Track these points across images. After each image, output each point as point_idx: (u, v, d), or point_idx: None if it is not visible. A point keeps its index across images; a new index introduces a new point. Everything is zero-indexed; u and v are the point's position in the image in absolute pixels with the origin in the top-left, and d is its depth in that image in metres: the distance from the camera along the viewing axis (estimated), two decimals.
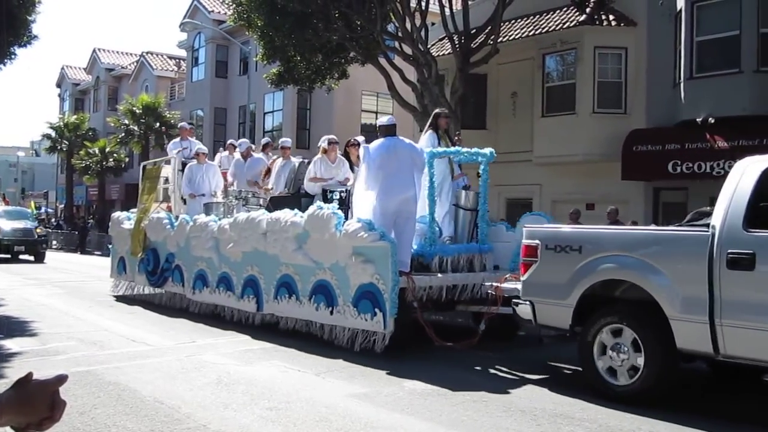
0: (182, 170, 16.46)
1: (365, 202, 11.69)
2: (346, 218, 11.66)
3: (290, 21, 26.61)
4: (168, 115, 49.36)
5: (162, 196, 16.78)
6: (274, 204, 13.41)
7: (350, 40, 27.68)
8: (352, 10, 26.27)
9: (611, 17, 26.66)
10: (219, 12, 45.93)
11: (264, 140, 17.80)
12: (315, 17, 26.75)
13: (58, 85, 70.96)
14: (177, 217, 15.50)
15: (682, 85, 23.65)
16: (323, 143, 13.59)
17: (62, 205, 64.03)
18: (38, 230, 32.49)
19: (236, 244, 13.22)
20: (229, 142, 18.18)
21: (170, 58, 58.07)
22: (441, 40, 30.78)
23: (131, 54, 63.19)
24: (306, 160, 14.16)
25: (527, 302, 9.63)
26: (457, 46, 26.00)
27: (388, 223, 11.29)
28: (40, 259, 31.80)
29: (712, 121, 21.35)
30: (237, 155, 17.23)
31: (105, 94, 61.58)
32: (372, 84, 35.49)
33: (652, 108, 24.87)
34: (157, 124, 49.08)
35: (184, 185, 16.22)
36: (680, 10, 23.97)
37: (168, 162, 17.10)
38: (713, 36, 23.51)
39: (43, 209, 61.48)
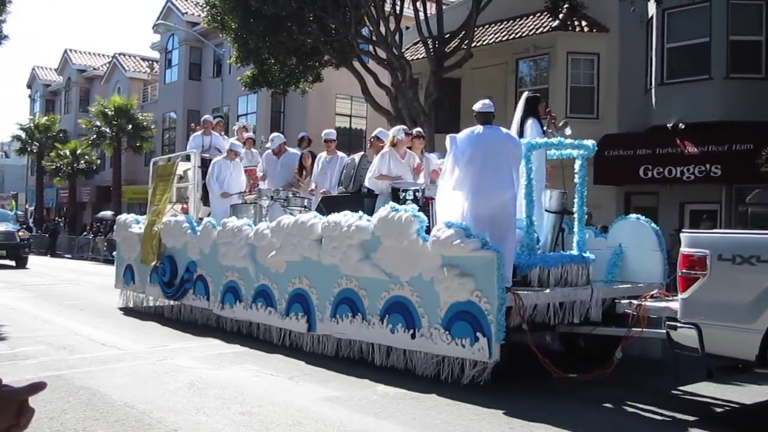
0: (200, 167, 12.46)
1: (452, 204, 8.78)
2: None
3: (264, 24, 24.49)
4: (140, 117, 44.96)
5: (177, 196, 12.73)
6: (328, 205, 10.37)
7: (324, 43, 25.59)
8: (326, 14, 24.37)
9: (584, 23, 24.90)
10: (193, 14, 42.35)
11: (301, 134, 14.34)
12: (289, 20, 24.72)
13: (29, 86, 65.27)
14: (200, 220, 12.31)
15: (653, 90, 22.07)
16: (397, 134, 10.06)
17: (32, 208, 58.74)
18: (20, 233, 27.47)
19: (279, 253, 10.20)
20: (247, 136, 14.16)
21: (143, 59, 53.34)
22: (415, 44, 28.49)
23: (103, 55, 57.94)
24: (366, 155, 10.30)
25: (691, 326, 6.94)
26: (431, 50, 24.08)
27: (481, 230, 8.32)
28: (22, 264, 27.07)
29: (683, 127, 20.07)
30: (255, 150, 13.41)
31: (76, 95, 56.21)
32: (346, 87, 32.74)
33: (623, 113, 23.20)
34: (130, 126, 44.51)
35: (211, 183, 12.46)
36: (651, 17, 22.46)
37: (186, 158, 12.96)
38: (684, 43, 21.83)
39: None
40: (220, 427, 6.47)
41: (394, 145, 10.42)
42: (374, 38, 24.80)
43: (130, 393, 7.51)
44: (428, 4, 25.67)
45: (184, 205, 13.43)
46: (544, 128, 9.57)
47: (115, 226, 14.31)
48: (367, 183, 10.29)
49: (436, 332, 8.24)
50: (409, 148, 10.62)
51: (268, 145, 13.02)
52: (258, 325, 10.70)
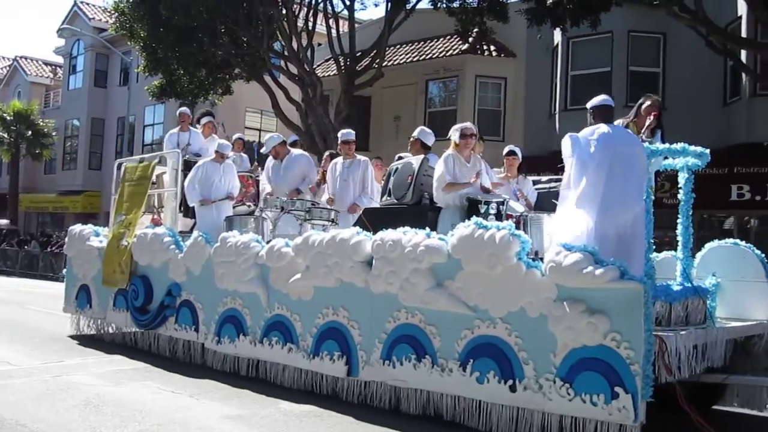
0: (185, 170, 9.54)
1: (570, 221, 6.41)
2: None
3: (174, 33, 22.82)
4: (41, 124, 40.52)
5: (157, 203, 9.70)
6: (374, 219, 7.55)
7: (235, 56, 24.37)
8: (238, 27, 23.13)
9: (492, 48, 24.24)
10: (100, 20, 38.69)
11: (292, 138, 11.12)
12: (200, 31, 23.04)
13: None
14: (187, 233, 9.29)
15: (557, 116, 21.65)
16: (454, 135, 7.19)
17: None
18: None
19: (306, 276, 7.53)
20: (236, 136, 11.19)
21: (46, 64, 48.05)
22: (327, 61, 27.22)
23: (4, 58, 52.42)
24: (427, 158, 7.63)
25: None
26: (342, 67, 23.17)
27: (606, 253, 5.93)
28: None
29: None
30: (244, 155, 10.51)
31: None
32: (256, 101, 30.68)
33: (528, 137, 22.32)
34: (29, 132, 40.08)
35: (189, 190, 9.47)
36: (557, 45, 22.08)
37: (160, 160, 9.92)
38: (587, 71, 21.38)
39: None
40: None
41: (457, 146, 7.80)
42: (286, 53, 23.71)
43: (23, 411, 6.63)
44: (341, 22, 24.59)
45: (155, 216, 10.34)
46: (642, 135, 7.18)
47: (66, 239, 10.92)
48: (435, 196, 7.58)
49: (549, 385, 5.85)
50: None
51: (263, 150, 10.06)
52: (269, 365, 7.89)
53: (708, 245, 7.87)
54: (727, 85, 19.76)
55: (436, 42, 25.29)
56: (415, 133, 8.56)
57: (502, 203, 7.25)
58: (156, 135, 35.72)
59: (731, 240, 7.74)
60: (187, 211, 10.10)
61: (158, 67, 24.52)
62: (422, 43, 25.67)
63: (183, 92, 25.55)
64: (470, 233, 6.32)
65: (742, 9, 18.58)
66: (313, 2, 23.70)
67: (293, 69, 23.42)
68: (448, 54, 24.28)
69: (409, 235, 6.71)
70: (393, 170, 8.09)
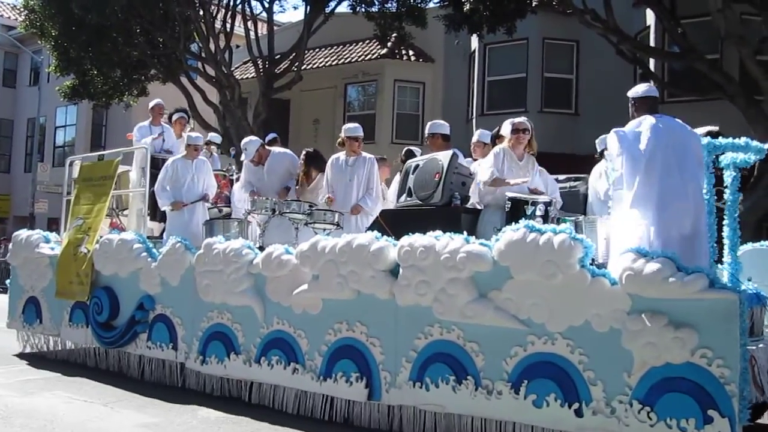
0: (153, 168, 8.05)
1: (627, 223, 5.44)
2: None
3: (87, 33, 21.22)
4: None
5: (116, 206, 8.09)
6: (394, 222, 6.26)
7: (151, 57, 22.67)
8: (154, 27, 21.44)
9: (411, 52, 23.41)
10: (9, 17, 35.63)
11: (270, 136, 10.27)
12: (114, 31, 21.54)
13: None
14: (156, 239, 7.23)
15: (474, 120, 20.89)
16: (506, 129, 6.11)
17: None
18: None
19: (314, 287, 6.19)
20: (208, 137, 9.66)
21: None
22: (245, 63, 26.03)
23: None
24: (456, 153, 6.43)
25: None
26: (261, 70, 22.00)
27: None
28: None
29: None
30: (215, 154, 9.08)
31: None
32: (173, 103, 28.54)
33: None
34: None
35: (159, 192, 7.81)
36: (474, 51, 21.47)
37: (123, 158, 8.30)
38: (503, 77, 20.92)
39: None
40: None
41: (509, 143, 6.59)
42: (203, 55, 22.25)
43: None
44: (260, 24, 23.37)
45: (114, 220, 8.70)
46: None
47: (10, 246, 9.02)
48: (478, 191, 6.34)
49: (624, 408, 4.80)
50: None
51: (243, 157, 8.56)
52: (265, 387, 6.52)
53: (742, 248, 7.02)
54: None
55: (355, 46, 24.28)
56: (432, 128, 7.38)
57: (550, 204, 6.14)
58: (68, 137, 33.48)
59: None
60: (154, 213, 8.56)
61: (70, 67, 22.77)
62: (341, 46, 24.59)
63: (96, 93, 23.66)
64: (521, 237, 5.20)
65: (651, 19, 18.36)
66: (232, 4, 22.23)
67: (211, 71, 22.16)
68: (366, 58, 23.37)
69: (444, 241, 5.52)
70: (412, 167, 6.80)
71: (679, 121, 5.76)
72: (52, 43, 22.33)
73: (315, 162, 8.66)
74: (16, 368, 8.11)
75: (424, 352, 5.59)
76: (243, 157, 8.43)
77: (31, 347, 8.96)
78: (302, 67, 22.02)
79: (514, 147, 6.76)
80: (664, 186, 5.38)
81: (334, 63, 23.99)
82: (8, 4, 36.01)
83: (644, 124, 5.61)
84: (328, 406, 6.07)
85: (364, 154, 8.45)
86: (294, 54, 21.79)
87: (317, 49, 24.63)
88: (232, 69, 23.23)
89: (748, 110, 14.70)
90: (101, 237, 7.81)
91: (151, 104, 10.12)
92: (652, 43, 18.28)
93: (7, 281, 8.73)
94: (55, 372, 7.86)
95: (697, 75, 16.27)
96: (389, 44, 22.56)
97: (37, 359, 8.63)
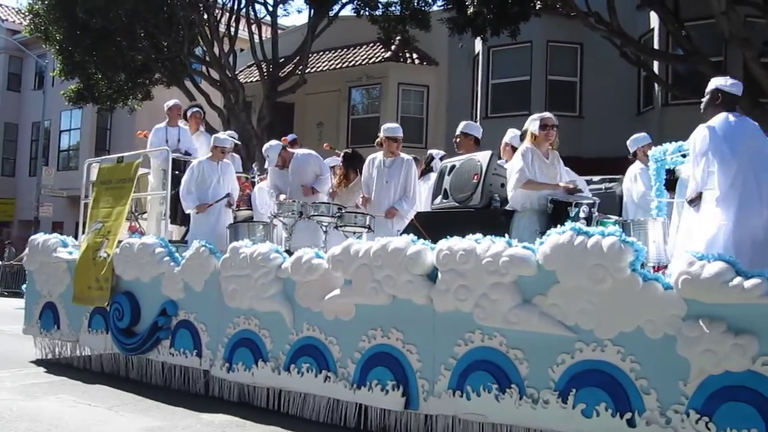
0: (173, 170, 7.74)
1: (702, 225, 5.15)
2: None
3: (92, 37, 20.86)
4: None
5: (136, 209, 7.79)
6: (429, 225, 5.96)
7: (155, 61, 22.36)
8: (158, 31, 21.26)
9: (415, 56, 23.05)
10: (14, 21, 35.54)
11: (290, 138, 10.13)
12: (119, 35, 21.17)
13: None
14: (177, 243, 7.05)
15: (478, 123, 19.23)
16: (533, 125, 5.73)
17: None
18: None
19: (346, 293, 5.86)
20: (226, 135, 9.36)
21: None
22: (249, 66, 25.35)
23: None
24: (495, 153, 6.09)
25: None
26: (265, 74, 21.72)
27: (742, 262, 4.57)
28: None
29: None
30: (236, 155, 8.81)
31: None
32: None
33: (450, 144, 20.49)
34: None
35: (184, 195, 7.51)
36: (478, 54, 21.12)
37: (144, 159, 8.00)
38: (507, 80, 20.46)
39: None
40: None
41: (534, 139, 6.27)
42: (207, 59, 22.00)
43: None
44: (263, 28, 22.74)
45: (133, 223, 8.35)
46: None
47: (27, 250, 8.64)
48: (511, 195, 6.00)
49: (680, 418, 4.49)
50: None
51: (267, 164, 8.20)
52: (294, 395, 6.18)
53: None
54: (640, 95, 19.32)
55: (359, 49, 23.93)
56: (464, 128, 7.06)
57: (593, 205, 5.81)
58: (73, 141, 33.06)
59: None
60: (175, 216, 8.21)
61: (75, 71, 22.67)
62: (345, 50, 24.26)
63: (101, 97, 23.50)
64: (568, 240, 4.89)
65: (655, 22, 18.17)
66: (236, 7, 22.02)
67: (215, 74, 21.91)
68: (370, 61, 23.08)
69: (485, 244, 5.21)
70: (447, 168, 6.48)
71: (754, 122, 5.47)
72: (57, 47, 22.19)
73: (353, 163, 8.34)
74: (22, 372, 7.92)
75: (465, 359, 5.27)
76: (266, 164, 8.11)
77: (46, 353, 8.57)
78: (306, 71, 21.79)
79: (540, 144, 6.39)
80: (743, 189, 5.12)
81: (338, 66, 23.70)
82: (13, 9, 35.72)
83: (731, 122, 5.32)
84: (361, 415, 5.78)
85: (402, 155, 8.06)
86: (298, 57, 21.60)
87: (321, 53, 24.33)
88: (237, 73, 23.00)
89: (752, 112, 14.44)
90: (121, 241, 7.51)
91: (169, 104, 9.75)
92: (656, 46, 18.11)
93: (14, 285, 8.37)
94: (61, 376, 7.69)
95: (701, 77, 16.00)
96: (393, 47, 22.36)
97: (47, 364, 8.33)
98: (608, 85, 18.95)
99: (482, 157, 6.30)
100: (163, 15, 21.02)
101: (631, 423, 4.66)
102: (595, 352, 4.82)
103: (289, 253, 6.43)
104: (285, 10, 44.92)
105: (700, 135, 5.22)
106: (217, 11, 21.83)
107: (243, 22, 22.21)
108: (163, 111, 26.07)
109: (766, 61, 14.88)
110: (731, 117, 5.30)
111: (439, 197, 6.45)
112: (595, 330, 4.83)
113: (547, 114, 6.50)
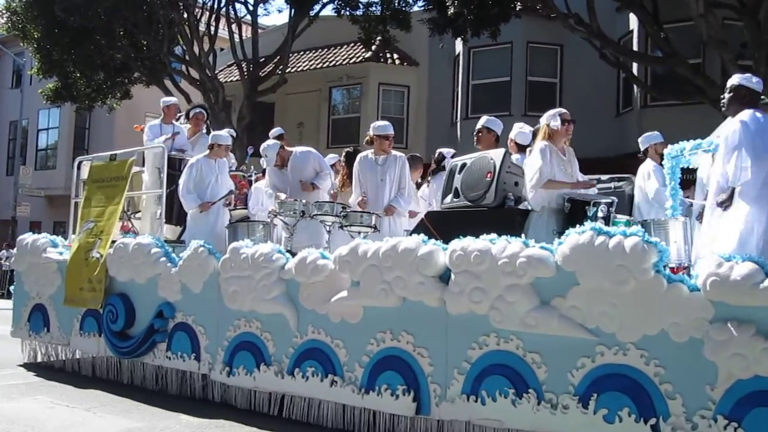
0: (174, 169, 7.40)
1: (731, 224, 4.98)
2: None
3: (70, 35, 20.57)
4: None
5: (128, 208, 7.40)
6: (440, 224, 5.66)
7: (135, 59, 22.01)
8: (137, 29, 20.88)
9: (395, 56, 22.75)
10: None
11: (276, 131, 10.37)
12: (98, 33, 20.89)
13: None
14: (172, 243, 7.14)
15: (458, 124, 20.53)
16: (553, 121, 5.47)
17: None
18: None
19: (354, 294, 5.56)
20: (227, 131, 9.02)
21: None
22: (229, 66, 24.95)
23: None
24: (510, 152, 5.85)
25: None
26: (245, 73, 21.42)
27: None
28: None
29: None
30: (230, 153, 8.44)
31: None
32: (156, 106, 26.90)
33: (430, 145, 20.90)
34: None
35: (184, 194, 7.27)
36: (459, 54, 20.94)
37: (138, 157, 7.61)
38: (487, 80, 20.31)
39: None
40: None
41: (550, 137, 6.00)
42: (187, 58, 21.57)
43: None
44: (244, 27, 22.34)
45: (126, 223, 7.97)
46: None
47: (15, 250, 8.20)
48: (530, 194, 5.74)
49: (707, 424, 4.27)
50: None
51: (264, 164, 7.87)
52: (298, 400, 5.88)
53: None
54: (619, 96, 19.27)
55: (340, 49, 23.61)
56: (487, 123, 6.82)
57: (611, 204, 5.58)
58: (51, 140, 32.15)
59: None
60: (170, 216, 7.85)
61: (53, 70, 22.15)
62: (326, 50, 23.93)
63: (79, 96, 22.95)
64: (588, 241, 4.66)
65: (634, 24, 18.12)
66: (216, 6, 21.63)
67: (195, 74, 21.49)
68: (351, 61, 22.74)
69: (500, 244, 4.96)
70: (458, 167, 6.19)
71: None
72: (35, 46, 21.74)
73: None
74: (0, 373, 7.54)
75: (479, 363, 5.02)
76: (264, 164, 7.78)
77: (34, 356, 8.17)
78: (286, 71, 21.49)
79: (558, 140, 6.14)
80: None
81: (318, 66, 23.41)
82: None
83: (759, 118, 5.12)
84: (370, 420, 5.50)
85: (394, 152, 7.80)
86: (278, 57, 21.27)
87: (302, 53, 24.01)
88: (216, 72, 22.63)
89: None
90: (115, 241, 7.12)
91: (167, 102, 9.36)
92: (635, 48, 18.04)
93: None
94: (40, 377, 7.44)
95: (679, 79, 16.02)
96: (374, 48, 22.03)
97: (34, 367, 7.93)
98: (588, 87, 18.85)
99: (495, 154, 6.01)
100: (142, 13, 20.62)
101: (655, 429, 4.43)
102: (617, 355, 4.59)
103: (291, 253, 6.14)
104: (265, 9, 44.68)
105: (730, 129, 5.02)
106: (197, 10, 21.44)
107: (223, 21, 21.86)
108: (141, 111, 25.32)
109: (744, 63, 14.84)
110: (758, 113, 5.12)
111: (450, 196, 6.16)
112: (617, 333, 4.60)
113: (562, 109, 6.25)
